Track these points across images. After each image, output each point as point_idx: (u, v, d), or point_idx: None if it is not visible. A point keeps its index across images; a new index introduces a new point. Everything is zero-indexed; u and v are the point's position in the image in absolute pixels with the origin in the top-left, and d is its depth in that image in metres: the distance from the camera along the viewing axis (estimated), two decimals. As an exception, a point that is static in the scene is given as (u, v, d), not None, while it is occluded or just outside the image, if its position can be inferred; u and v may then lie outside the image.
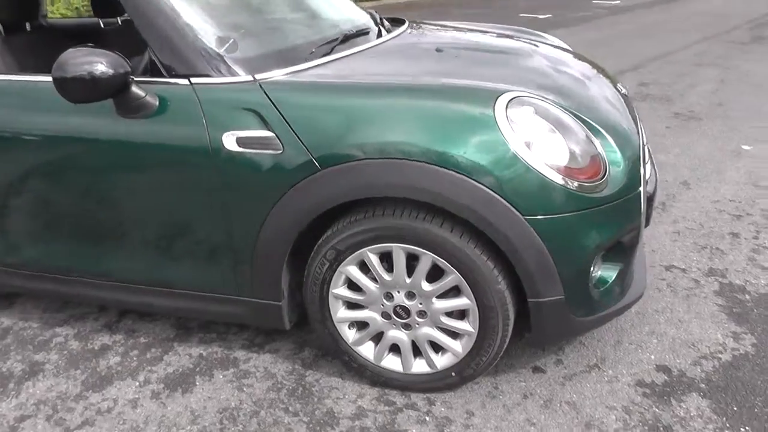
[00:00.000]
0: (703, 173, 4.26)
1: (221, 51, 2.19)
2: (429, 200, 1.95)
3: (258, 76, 2.12)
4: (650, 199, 2.30)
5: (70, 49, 1.99)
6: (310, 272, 2.19)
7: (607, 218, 2.07)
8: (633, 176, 2.18)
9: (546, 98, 2.13)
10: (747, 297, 2.86)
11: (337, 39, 2.54)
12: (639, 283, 2.41)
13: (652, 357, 2.48)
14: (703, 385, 2.32)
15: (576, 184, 1.98)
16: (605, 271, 2.22)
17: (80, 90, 1.99)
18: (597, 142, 2.13)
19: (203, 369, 2.49)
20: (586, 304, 2.15)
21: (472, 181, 1.92)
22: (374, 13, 3.15)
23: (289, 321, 2.34)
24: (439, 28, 3.28)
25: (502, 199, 1.93)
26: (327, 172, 2.00)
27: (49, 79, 2.07)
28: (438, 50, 2.57)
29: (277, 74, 2.16)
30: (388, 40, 2.74)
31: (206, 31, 2.21)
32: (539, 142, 1.99)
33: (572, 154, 2.02)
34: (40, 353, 2.65)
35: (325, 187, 2.01)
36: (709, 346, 2.54)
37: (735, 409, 2.21)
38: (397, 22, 3.18)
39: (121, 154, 2.20)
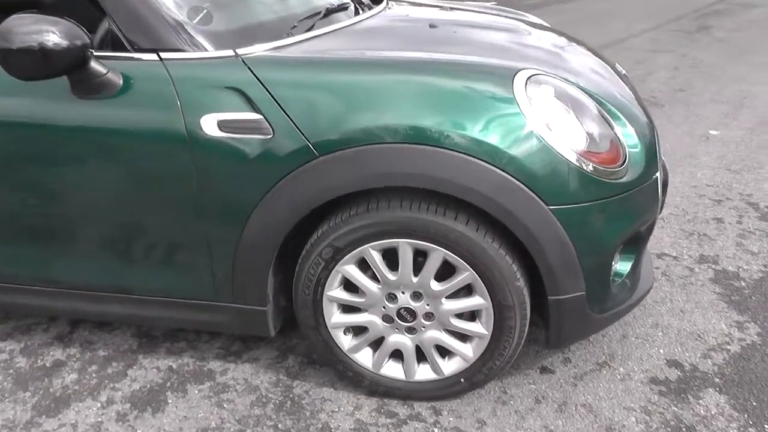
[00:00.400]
0: (676, 159, 4.18)
1: (194, 22, 1.91)
2: (443, 189, 1.73)
3: (240, 51, 1.85)
4: (665, 185, 2.14)
5: (15, 16, 1.67)
6: (302, 273, 1.93)
7: (629, 206, 1.91)
8: (650, 161, 2.02)
9: (562, 77, 1.94)
10: (743, 284, 2.76)
11: (319, 13, 2.28)
12: (647, 275, 2.26)
13: (661, 351, 2.34)
14: (718, 380, 2.19)
15: (599, 170, 1.81)
16: (621, 264, 2.05)
17: (28, 65, 1.68)
18: (615, 125, 1.95)
19: (175, 384, 2.21)
20: (604, 300, 1.98)
21: (493, 167, 1.71)
22: None
23: (274, 327, 2.08)
24: (420, 5, 3.05)
25: (524, 187, 1.73)
26: (326, 159, 1.75)
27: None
28: (432, 26, 2.34)
29: (260, 49, 1.89)
30: (374, 15, 2.49)
31: (176, 0, 1.92)
32: (560, 125, 1.80)
33: (592, 137, 1.84)
34: (-20, 372, 2.31)
35: (323, 176, 1.76)
36: (716, 337, 2.42)
37: (754, 404, 2.08)
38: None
39: (77, 141, 1.89)
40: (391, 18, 2.53)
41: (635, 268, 2.14)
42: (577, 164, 1.77)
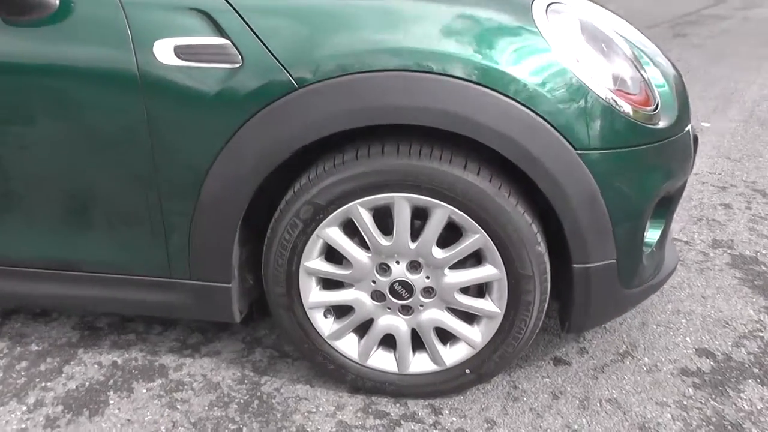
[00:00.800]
0: (671, 145, 3.92)
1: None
2: (454, 127, 1.40)
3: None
4: (695, 142, 1.84)
5: None
6: (275, 239, 1.58)
7: (665, 158, 1.61)
8: (682, 111, 1.73)
9: (585, 9, 1.63)
10: (764, 268, 2.49)
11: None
12: (671, 251, 1.95)
13: (688, 340, 2.03)
14: (757, 370, 1.89)
15: (634, 111, 1.50)
16: (650, 232, 1.74)
17: None
18: (644, 68, 1.66)
19: (119, 382, 1.82)
20: (634, 272, 1.67)
21: (514, 103, 1.39)
22: None
23: (239, 311, 1.72)
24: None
25: (550, 127, 1.40)
26: (308, 91, 1.41)
27: None
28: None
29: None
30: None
31: None
32: (588, 58, 1.49)
33: (622, 78, 1.54)
34: None
35: (304, 112, 1.42)
36: (745, 324, 2.13)
37: (802, 397, 1.78)
38: None
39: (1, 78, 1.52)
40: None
41: (663, 239, 1.83)
42: (611, 103, 1.46)
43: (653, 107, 1.59)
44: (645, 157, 1.54)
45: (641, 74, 1.63)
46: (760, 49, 7.51)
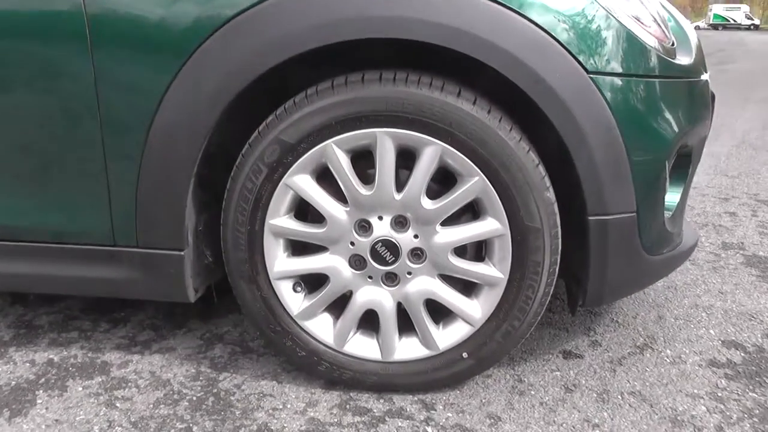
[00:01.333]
0: (668, 163, 3.76)
1: None
2: (445, 42, 1.18)
3: None
4: (713, 99, 1.63)
5: None
6: (235, 191, 1.33)
7: (684, 98, 1.41)
8: (698, 57, 1.53)
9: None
10: (782, 268, 2.25)
11: None
12: (689, 226, 1.73)
13: (712, 332, 1.78)
14: (794, 363, 1.63)
15: (652, 39, 1.29)
16: (670, 192, 1.51)
17: None
18: (654, 3, 1.47)
19: (52, 380, 1.53)
20: (657, 232, 1.43)
21: (516, 15, 1.17)
22: None
23: (194, 289, 1.44)
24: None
25: (558, 45, 1.19)
26: (275, 3, 1.18)
27: None
28: None
29: None
30: None
31: None
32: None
33: (637, 10, 1.34)
34: None
35: (270, 27, 1.20)
36: (772, 318, 1.88)
37: None
38: None
39: None
40: None
41: (682, 207, 1.61)
42: (626, 26, 1.26)
43: (669, 43, 1.40)
44: (664, 92, 1.33)
45: (657, 12, 1.44)
46: (742, 92, 7.54)
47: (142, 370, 1.57)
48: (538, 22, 1.19)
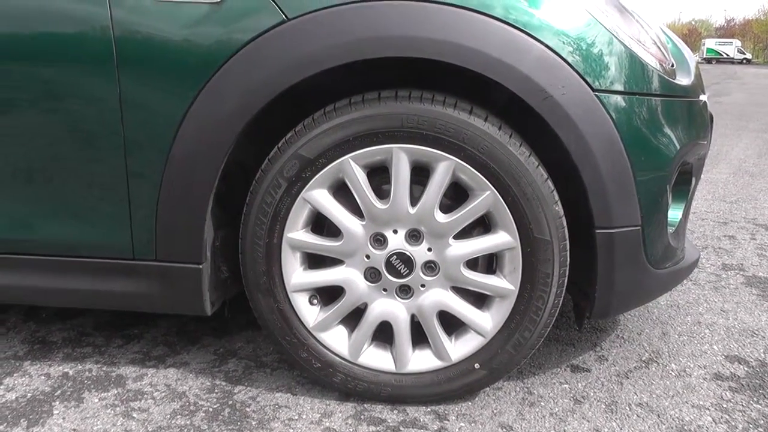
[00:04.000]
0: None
1: None
2: (458, 60, 1.24)
3: None
4: (711, 120, 1.70)
5: None
6: (254, 205, 1.37)
7: (684, 116, 1.48)
8: (697, 78, 1.60)
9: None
10: (782, 288, 2.30)
11: None
12: (690, 244, 1.78)
13: (715, 348, 1.81)
14: (797, 378, 1.67)
15: (654, 60, 1.36)
16: (672, 209, 1.56)
17: None
18: (655, 28, 1.55)
19: (68, 392, 1.55)
20: (661, 245, 1.48)
21: (527, 36, 1.24)
22: None
23: (211, 303, 1.48)
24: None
25: (566, 64, 1.25)
26: (299, 23, 1.26)
27: None
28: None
29: None
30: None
31: None
32: (605, 6, 1.36)
33: (638, 33, 1.41)
34: None
35: (293, 46, 1.26)
36: (774, 335, 1.92)
37: None
38: None
39: None
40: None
41: (684, 223, 1.66)
42: (629, 47, 1.32)
43: (669, 64, 1.47)
44: (665, 109, 1.39)
45: (657, 36, 1.51)
46: (737, 123, 7.65)
47: (158, 383, 1.59)
48: (548, 43, 1.25)
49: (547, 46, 1.25)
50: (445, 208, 1.36)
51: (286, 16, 1.26)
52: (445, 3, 1.24)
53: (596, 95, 1.28)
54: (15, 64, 1.34)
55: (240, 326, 1.88)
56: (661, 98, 1.38)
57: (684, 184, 1.61)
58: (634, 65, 1.33)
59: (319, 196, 1.35)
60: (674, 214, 1.59)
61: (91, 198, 1.41)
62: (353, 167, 1.32)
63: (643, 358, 1.75)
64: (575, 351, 1.78)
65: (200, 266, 1.42)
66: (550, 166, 1.36)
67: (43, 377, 1.63)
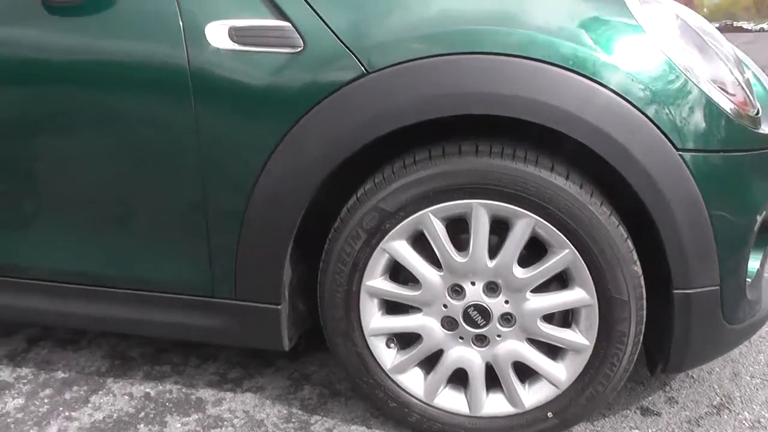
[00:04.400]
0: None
1: None
2: (542, 120, 1.25)
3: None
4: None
5: None
6: (333, 254, 1.41)
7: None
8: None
9: (680, 7, 1.48)
10: None
11: None
12: (766, 289, 1.73)
13: (792, 395, 1.77)
14: None
15: (735, 110, 1.33)
16: (750, 259, 1.53)
17: None
18: (743, 69, 1.50)
19: (151, 415, 1.64)
20: (738, 304, 1.46)
21: (610, 93, 1.23)
22: None
23: (288, 338, 1.53)
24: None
25: (649, 122, 1.24)
26: (380, 76, 1.27)
27: None
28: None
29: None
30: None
31: None
32: (686, 51, 1.33)
33: (720, 75, 1.38)
34: None
35: (374, 100, 1.27)
36: None
37: None
38: None
39: (32, 63, 1.43)
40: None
41: (761, 271, 1.62)
42: (713, 99, 1.29)
43: (754, 111, 1.43)
44: (749, 165, 1.36)
45: (739, 76, 1.46)
46: None
47: (236, 409, 1.66)
48: (628, 98, 1.24)
49: (628, 101, 1.24)
50: (522, 259, 1.37)
51: (366, 69, 1.28)
52: (526, 58, 1.24)
53: (677, 152, 1.26)
54: (97, 111, 1.41)
55: (312, 346, 1.93)
56: (744, 153, 1.35)
57: (763, 232, 1.58)
58: (717, 118, 1.30)
59: (398, 246, 1.37)
60: (752, 264, 1.56)
61: (173, 240, 1.48)
62: (433, 220, 1.34)
63: (714, 403, 1.73)
64: (645, 390, 1.77)
65: (278, 306, 1.47)
66: (625, 217, 1.35)
67: (126, 397, 1.71)
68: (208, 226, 1.44)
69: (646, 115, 1.24)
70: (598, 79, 1.23)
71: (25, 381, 1.80)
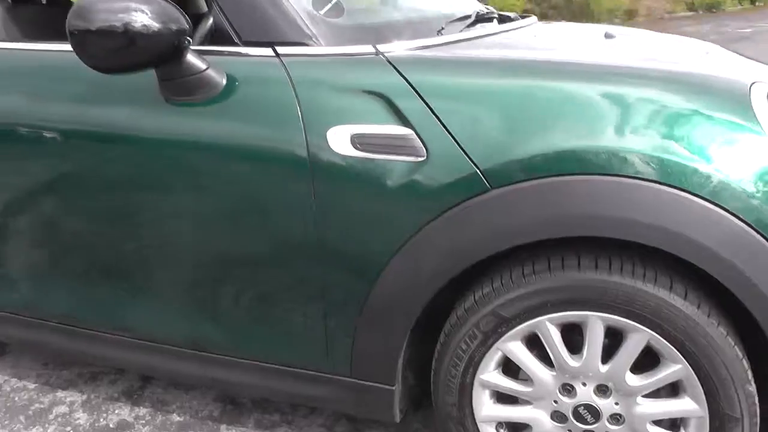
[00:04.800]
0: None
1: (321, 13, 1.49)
2: (688, 256, 1.24)
3: (381, 48, 1.41)
4: None
5: None
6: (449, 349, 1.46)
7: None
8: None
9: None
10: None
11: (468, 17, 1.83)
12: None
13: None
14: None
15: None
16: None
17: (109, 51, 1.32)
18: None
19: (264, 467, 1.74)
20: None
21: (740, 222, 1.20)
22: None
23: (400, 411, 1.60)
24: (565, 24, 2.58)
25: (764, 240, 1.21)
26: (504, 192, 1.29)
27: (60, 47, 1.41)
28: (608, 36, 1.84)
29: (405, 47, 1.46)
30: (531, 25, 2.03)
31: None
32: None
33: None
34: (34, 427, 1.91)
35: (498, 217, 1.30)
36: None
37: None
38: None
39: (163, 157, 1.53)
40: (553, 29, 2.07)
41: None
42: None
43: None
44: None
45: None
46: None
47: (342, 463, 1.75)
48: (759, 228, 1.21)
49: (752, 226, 1.21)
50: (635, 363, 1.38)
51: (489, 185, 1.29)
52: (652, 181, 1.23)
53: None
54: (230, 205, 1.49)
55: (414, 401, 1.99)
56: None
57: None
58: None
59: (513, 347, 1.41)
60: None
61: (290, 318, 1.56)
62: (548, 327, 1.36)
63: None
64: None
65: (393, 387, 1.54)
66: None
67: (239, 444, 1.83)
68: (327, 318, 1.51)
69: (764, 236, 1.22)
70: (739, 215, 1.21)
71: (144, 421, 1.94)
